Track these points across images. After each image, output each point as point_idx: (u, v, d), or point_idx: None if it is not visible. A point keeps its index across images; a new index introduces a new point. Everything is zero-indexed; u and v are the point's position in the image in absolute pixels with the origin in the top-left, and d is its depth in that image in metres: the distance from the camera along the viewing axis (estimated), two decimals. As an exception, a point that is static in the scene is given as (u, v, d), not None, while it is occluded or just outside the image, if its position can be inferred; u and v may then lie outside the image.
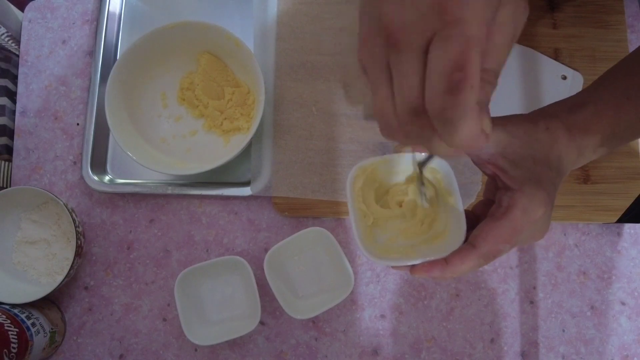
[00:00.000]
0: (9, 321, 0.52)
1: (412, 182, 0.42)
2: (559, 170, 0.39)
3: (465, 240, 0.38)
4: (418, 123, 0.29)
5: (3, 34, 0.66)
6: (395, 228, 0.43)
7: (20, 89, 0.66)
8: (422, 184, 0.40)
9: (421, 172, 0.39)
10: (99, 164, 0.63)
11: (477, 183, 0.59)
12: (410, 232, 0.42)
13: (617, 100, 0.40)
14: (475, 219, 0.41)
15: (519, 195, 0.36)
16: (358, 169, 0.42)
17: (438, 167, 0.40)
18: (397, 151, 0.41)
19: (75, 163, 0.64)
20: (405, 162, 0.41)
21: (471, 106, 0.26)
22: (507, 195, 0.37)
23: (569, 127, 0.39)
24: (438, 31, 0.26)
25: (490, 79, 0.29)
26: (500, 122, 0.39)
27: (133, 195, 0.63)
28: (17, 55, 0.67)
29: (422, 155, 0.40)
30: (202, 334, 0.56)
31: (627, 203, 0.60)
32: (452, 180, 0.40)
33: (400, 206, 0.43)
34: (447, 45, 0.25)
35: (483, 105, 0.29)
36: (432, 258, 0.37)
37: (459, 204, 0.39)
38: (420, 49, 0.27)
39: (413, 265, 0.38)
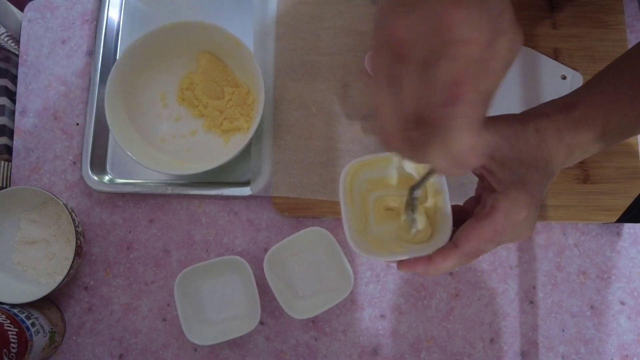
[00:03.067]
0: (8, 321, 0.52)
1: (403, 186, 0.43)
2: (547, 171, 0.39)
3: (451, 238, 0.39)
4: (416, 132, 0.30)
5: (3, 33, 0.66)
6: (388, 224, 0.44)
7: (20, 88, 0.66)
8: (413, 210, 0.40)
9: (412, 197, 0.40)
10: (98, 164, 0.63)
11: (476, 183, 0.59)
12: (401, 227, 0.42)
13: (607, 100, 0.40)
14: (464, 214, 0.42)
15: (502, 198, 0.37)
16: (352, 165, 0.42)
17: (426, 166, 0.41)
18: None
19: (74, 163, 0.64)
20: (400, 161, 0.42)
21: (467, 118, 0.28)
22: (491, 197, 0.38)
23: (559, 127, 0.40)
24: (443, 48, 0.27)
25: (483, 100, 0.30)
26: (490, 122, 0.39)
27: (133, 195, 0.63)
28: (17, 55, 0.67)
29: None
30: (202, 334, 0.56)
31: (626, 203, 0.60)
32: (442, 180, 0.40)
33: (390, 209, 0.44)
34: (452, 62, 0.27)
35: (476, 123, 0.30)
36: (418, 255, 0.39)
37: (447, 204, 0.40)
38: (420, 64, 0.28)
39: (400, 260, 0.39)
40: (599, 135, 0.40)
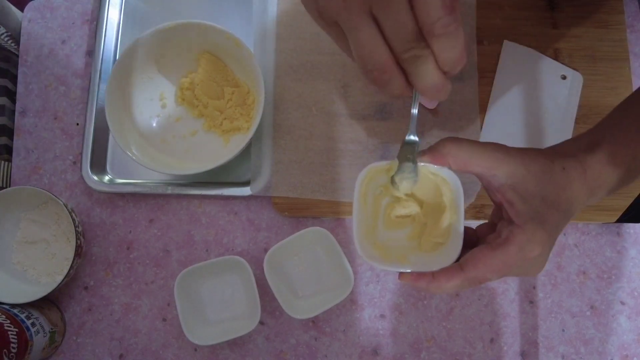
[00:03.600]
0: (8, 321, 0.52)
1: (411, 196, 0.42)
2: (568, 213, 0.38)
3: (459, 259, 0.38)
4: (414, 51, 0.33)
5: (3, 33, 0.66)
6: (397, 230, 0.43)
7: (20, 88, 0.66)
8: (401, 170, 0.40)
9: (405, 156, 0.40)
10: (98, 164, 0.63)
11: (477, 183, 0.59)
12: (412, 235, 0.42)
13: (632, 139, 0.39)
14: (476, 238, 0.42)
15: (519, 232, 0.36)
16: (370, 169, 0.42)
17: (448, 179, 0.40)
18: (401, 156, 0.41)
19: (74, 163, 0.64)
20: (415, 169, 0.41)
21: (460, 23, 0.32)
22: (508, 228, 0.37)
23: (586, 168, 0.39)
24: None
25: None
26: (517, 153, 0.38)
27: (133, 195, 0.63)
28: (17, 55, 0.67)
29: (431, 166, 0.40)
30: (202, 334, 0.56)
31: (626, 203, 0.60)
32: (459, 197, 0.40)
33: (401, 217, 0.43)
34: None
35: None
36: (422, 270, 0.38)
37: (461, 222, 0.39)
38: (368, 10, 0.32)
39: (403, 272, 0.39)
40: (623, 175, 0.39)
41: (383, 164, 0.41)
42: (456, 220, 0.40)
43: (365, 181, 0.42)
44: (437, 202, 0.42)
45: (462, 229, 0.39)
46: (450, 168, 0.39)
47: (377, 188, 0.43)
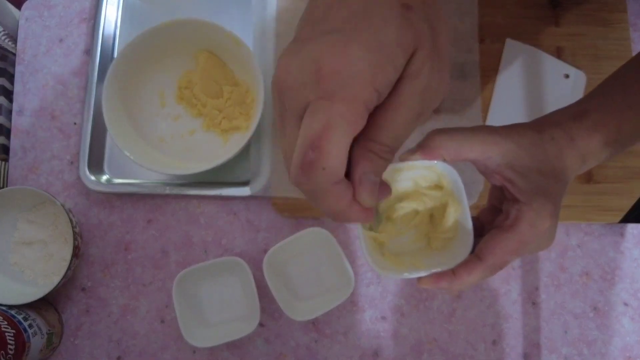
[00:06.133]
0: (5, 322, 0.52)
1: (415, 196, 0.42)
2: (564, 181, 0.39)
3: (473, 251, 0.38)
4: (304, 182, 0.28)
5: (0, 32, 0.65)
6: (405, 235, 0.42)
7: (17, 87, 0.66)
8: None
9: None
10: (96, 164, 0.62)
11: (480, 182, 0.59)
12: (418, 237, 0.41)
13: (619, 108, 0.40)
14: (480, 226, 0.41)
15: (527, 209, 0.37)
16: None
17: (447, 173, 0.39)
18: (402, 160, 0.40)
19: (72, 163, 0.64)
20: (417, 170, 0.40)
21: (324, 187, 0.26)
22: (515, 207, 0.37)
23: (573, 136, 0.39)
24: (311, 102, 0.25)
25: (382, 153, 0.29)
26: (506, 131, 0.38)
27: (131, 195, 0.63)
28: (14, 54, 0.67)
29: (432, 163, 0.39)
30: (201, 336, 0.56)
31: (630, 203, 0.60)
32: (460, 190, 0.39)
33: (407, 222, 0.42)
34: (311, 121, 0.25)
35: (365, 179, 0.29)
36: (439, 269, 0.38)
37: (467, 216, 0.39)
38: (298, 115, 0.26)
39: (421, 277, 0.38)
40: (611, 143, 0.39)
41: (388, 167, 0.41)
42: (461, 212, 0.39)
43: None
44: (437, 197, 0.41)
45: (469, 220, 0.39)
46: (444, 160, 0.39)
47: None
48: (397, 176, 0.40)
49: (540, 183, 0.37)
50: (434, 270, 0.38)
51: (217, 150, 0.61)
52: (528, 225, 0.36)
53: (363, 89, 0.26)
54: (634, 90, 0.40)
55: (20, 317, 0.54)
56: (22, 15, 0.67)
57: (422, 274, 0.38)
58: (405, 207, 0.41)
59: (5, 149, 0.65)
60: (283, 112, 0.28)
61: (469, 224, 0.38)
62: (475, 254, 0.38)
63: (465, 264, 0.37)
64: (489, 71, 0.62)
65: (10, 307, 0.55)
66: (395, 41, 0.27)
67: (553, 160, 0.38)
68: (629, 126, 0.39)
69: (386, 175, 0.40)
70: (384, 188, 0.33)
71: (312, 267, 0.59)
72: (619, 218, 0.60)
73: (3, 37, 0.66)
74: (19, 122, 0.65)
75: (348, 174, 0.29)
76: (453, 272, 0.37)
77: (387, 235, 0.41)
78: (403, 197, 0.42)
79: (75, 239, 0.56)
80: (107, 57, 0.65)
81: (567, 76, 0.62)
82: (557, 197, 0.38)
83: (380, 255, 0.40)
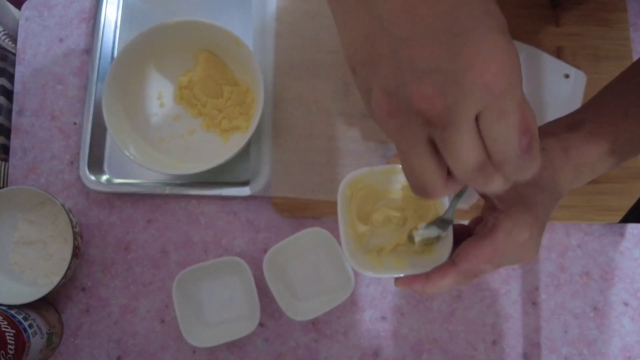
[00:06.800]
0: (5, 322, 0.52)
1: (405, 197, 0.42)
2: (554, 192, 0.38)
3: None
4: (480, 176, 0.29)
5: (0, 32, 0.65)
6: (387, 235, 0.43)
7: (17, 87, 0.66)
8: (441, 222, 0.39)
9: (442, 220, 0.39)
10: (96, 164, 0.62)
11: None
12: (401, 240, 0.42)
13: (615, 117, 0.39)
14: (467, 233, 0.41)
15: (504, 217, 0.36)
16: (353, 176, 0.41)
17: None
18: (391, 162, 0.41)
19: (72, 163, 0.64)
20: (400, 174, 0.41)
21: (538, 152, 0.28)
22: (493, 215, 0.37)
23: (566, 147, 0.39)
24: (489, 105, 0.26)
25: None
26: None
27: (131, 195, 0.63)
28: (14, 54, 0.67)
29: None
30: (201, 336, 0.56)
31: (630, 203, 0.59)
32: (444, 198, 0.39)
33: (390, 221, 0.43)
34: (506, 116, 0.27)
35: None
36: (415, 272, 0.38)
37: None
38: (472, 123, 0.27)
39: (397, 277, 0.39)
40: (607, 153, 0.39)
41: (364, 171, 0.41)
42: (442, 215, 0.39)
43: (347, 190, 0.41)
44: (420, 202, 0.41)
45: (451, 226, 0.39)
46: None
47: (363, 195, 0.43)
48: (390, 178, 0.40)
49: (523, 193, 0.37)
50: (410, 273, 0.38)
51: (217, 150, 0.61)
52: (504, 234, 0.36)
53: (519, 79, 0.28)
54: (630, 100, 0.39)
55: (20, 317, 0.54)
56: (22, 15, 0.67)
57: (400, 274, 0.39)
58: (391, 213, 0.42)
59: (5, 149, 0.65)
60: (442, 130, 0.27)
61: (450, 230, 0.39)
62: (451, 259, 0.37)
63: (439, 268, 0.37)
64: (489, 71, 0.62)
65: (10, 307, 0.55)
66: None
67: (541, 170, 0.37)
68: (625, 136, 0.39)
69: (381, 177, 0.41)
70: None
71: (312, 267, 0.59)
72: (619, 218, 0.60)
73: (3, 37, 0.66)
74: (19, 122, 0.65)
75: None
76: (427, 275, 0.37)
77: (370, 229, 0.42)
78: (389, 201, 0.42)
79: (75, 238, 0.56)
80: (107, 57, 0.65)
81: (567, 76, 0.62)
82: (539, 208, 0.37)
83: (362, 254, 0.41)
